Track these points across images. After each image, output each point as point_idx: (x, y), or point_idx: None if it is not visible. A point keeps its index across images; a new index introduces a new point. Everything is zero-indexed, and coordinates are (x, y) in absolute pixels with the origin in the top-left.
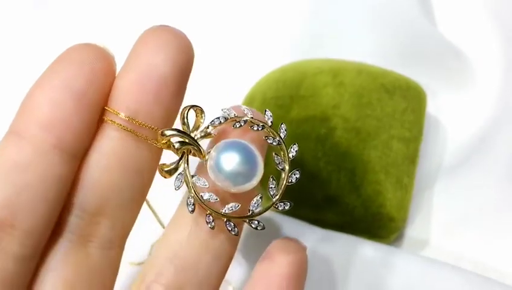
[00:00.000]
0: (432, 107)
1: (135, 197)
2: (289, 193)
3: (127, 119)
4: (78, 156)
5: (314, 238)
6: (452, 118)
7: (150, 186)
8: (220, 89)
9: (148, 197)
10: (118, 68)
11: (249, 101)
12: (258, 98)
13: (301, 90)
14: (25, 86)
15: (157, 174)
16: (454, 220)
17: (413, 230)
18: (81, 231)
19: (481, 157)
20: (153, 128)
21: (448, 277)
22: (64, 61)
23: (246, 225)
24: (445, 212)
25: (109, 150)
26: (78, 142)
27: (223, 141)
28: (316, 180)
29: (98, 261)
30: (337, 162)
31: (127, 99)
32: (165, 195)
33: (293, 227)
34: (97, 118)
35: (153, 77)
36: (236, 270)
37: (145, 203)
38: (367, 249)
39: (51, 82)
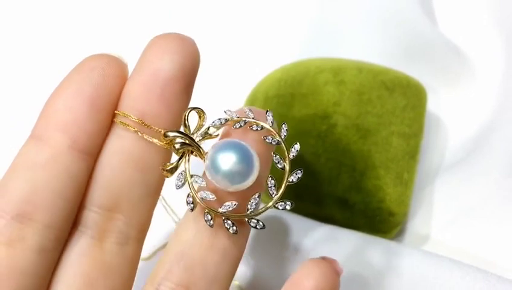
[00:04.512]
0: (433, 104)
1: (148, 193)
2: (289, 189)
3: (135, 120)
4: (92, 154)
5: (319, 235)
6: (453, 115)
7: (162, 184)
8: (223, 87)
9: (164, 194)
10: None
11: (252, 99)
12: (260, 97)
13: (302, 89)
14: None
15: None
16: (456, 215)
17: (414, 225)
18: (98, 227)
19: (481, 154)
20: (157, 130)
21: (449, 271)
22: (77, 70)
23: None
24: (447, 207)
25: (120, 149)
26: (91, 142)
27: (218, 141)
28: (317, 177)
29: (115, 256)
30: (338, 159)
31: (134, 101)
32: (179, 194)
33: (298, 224)
34: (109, 119)
35: (159, 79)
36: (239, 269)
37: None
38: (368, 244)
39: (65, 89)
